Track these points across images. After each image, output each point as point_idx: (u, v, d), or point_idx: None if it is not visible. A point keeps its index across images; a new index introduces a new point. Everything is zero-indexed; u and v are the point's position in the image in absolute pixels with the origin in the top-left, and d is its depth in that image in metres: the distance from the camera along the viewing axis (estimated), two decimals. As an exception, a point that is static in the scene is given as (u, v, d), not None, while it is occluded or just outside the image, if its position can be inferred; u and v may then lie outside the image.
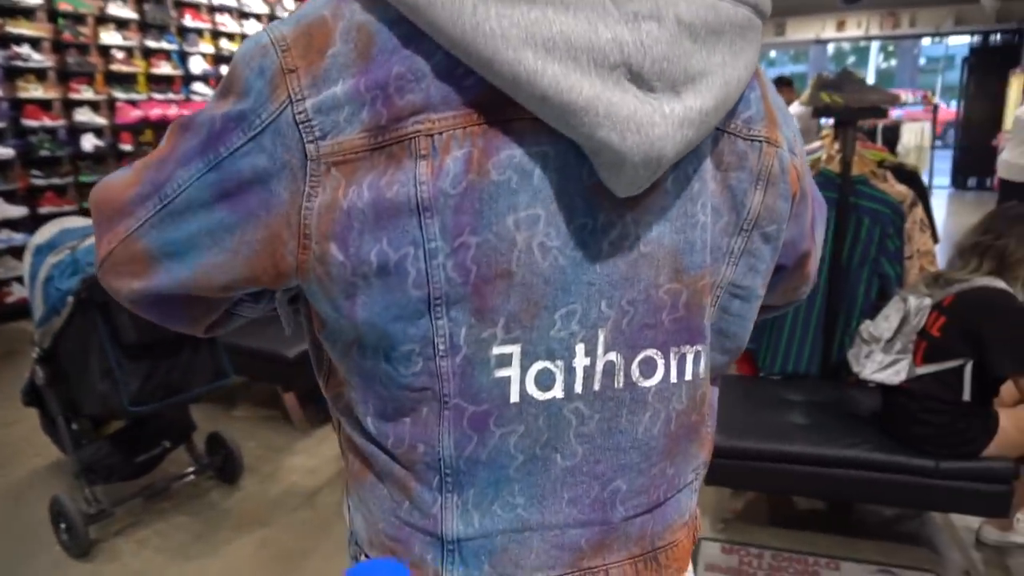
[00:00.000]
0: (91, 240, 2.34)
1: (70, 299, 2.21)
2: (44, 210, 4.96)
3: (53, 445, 2.57)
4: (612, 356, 0.61)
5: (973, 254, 2.18)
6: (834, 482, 2.16)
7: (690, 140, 0.55)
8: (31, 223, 4.81)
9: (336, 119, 0.52)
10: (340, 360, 0.62)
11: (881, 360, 2.20)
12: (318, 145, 0.52)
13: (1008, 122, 5.20)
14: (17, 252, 4.73)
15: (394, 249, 0.54)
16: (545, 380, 0.60)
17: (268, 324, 3.36)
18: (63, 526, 2.34)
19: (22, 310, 4.61)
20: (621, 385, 0.63)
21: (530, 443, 0.61)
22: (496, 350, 0.58)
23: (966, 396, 2.06)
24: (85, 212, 5.11)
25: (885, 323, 2.23)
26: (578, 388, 0.61)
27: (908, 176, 2.88)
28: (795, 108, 5.55)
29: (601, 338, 0.60)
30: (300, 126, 0.52)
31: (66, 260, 2.26)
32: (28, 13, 4.83)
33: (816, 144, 3.14)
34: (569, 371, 0.60)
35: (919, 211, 2.65)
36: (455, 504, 0.62)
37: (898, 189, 2.63)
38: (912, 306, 2.18)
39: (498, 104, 0.53)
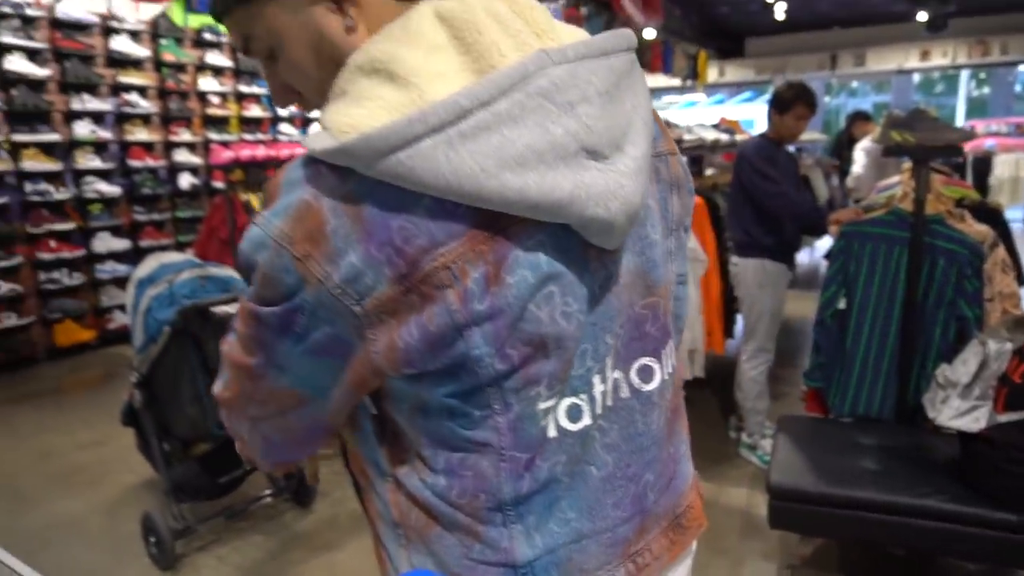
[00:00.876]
0: (187, 274, 2.54)
1: (166, 329, 2.39)
2: (144, 243, 5.36)
3: (145, 464, 2.76)
4: (616, 374, 0.73)
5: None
6: (907, 531, 2.08)
7: (646, 181, 0.67)
8: (133, 255, 5.20)
9: (365, 283, 0.61)
10: (408, 423, 0.71)
11: (958, 406, 2.12)
12: (362, 305, 0.61)
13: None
14: (120, 282, 5.11)
15: (450, 360, 0.63)
16: (575, 413, 0.70)
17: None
18: (152, 540, 2.50)
19: (123, 336, 4.96)
20: (627, 394, 0.74)
21: (570, 465, 0.71)
22: (542, 405, 0.67)
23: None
24: (181, 245, 5.48)
25: (963, 367, 2.15)
26: (598, 411, 0.72)
27: (989, 214, 2.78)
28: (867, 143, 5.40)
29: (609, 364, 0.71)
30: (339, 299, 0.61)
31: (164, 293, 2.46)
32: (137, 64, 5.28)
33: (895, 179, 3.07)
34: (592, 400, 0.71)
35: (1000, 252, 2.56)
36: (520, 533, 0.70)
37: (977, 229, 2.54)
38: (992, 350, 2.10)
39: (491, 219, 0.61)
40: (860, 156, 5.52)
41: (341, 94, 0.62)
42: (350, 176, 0.59)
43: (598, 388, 0.71)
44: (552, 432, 0.68)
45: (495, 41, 0.60)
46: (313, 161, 0.61)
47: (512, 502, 0.69)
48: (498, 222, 0.61)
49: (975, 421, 2.07)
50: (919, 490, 2.10)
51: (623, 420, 0.73)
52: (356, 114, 0.58)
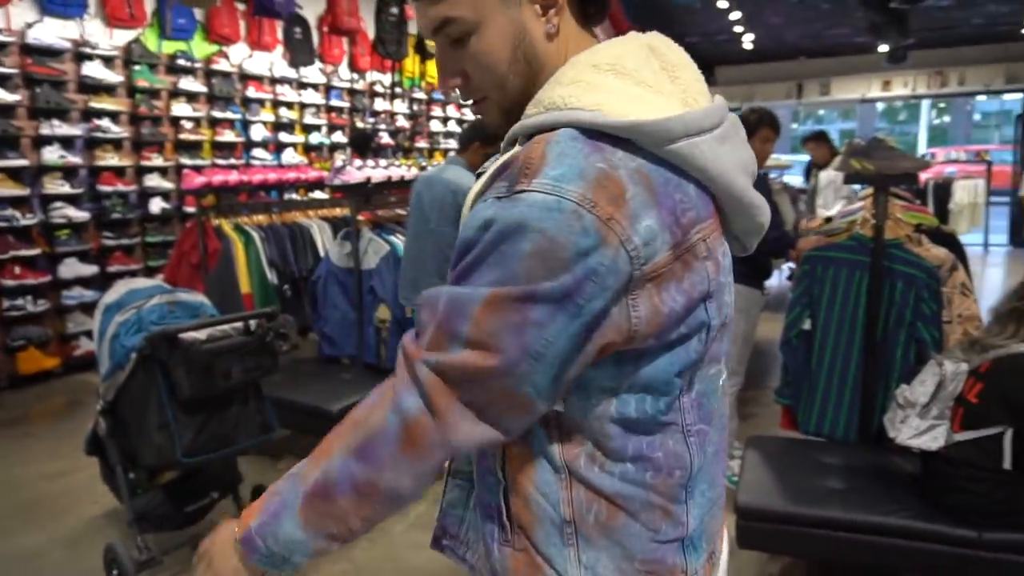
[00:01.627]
0: (155, 300, 2.52)
1: (133, 355, 2.37)
2: (113, 268, 5.28)
3: (109, 494, 2.70)
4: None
5: (1011, 319, 2.16)
6: (871, 549, 2.12)
7: None
8: (101, 281, 5.13)
9: (655, 246, 0.67)
10: (594, 414, 0.74)
11: (917, 425, 2.17)
12: (642, 269, 0.67)
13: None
14: (87, 308, 5.03)
15: (688, 328, 0.72)
16: (722, 391, 0.83)
17: (313, 380, 3.50)
18: (115, 572, 2.45)
19: (88, 363, 4.87)
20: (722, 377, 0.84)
21: (714, 437, 0.82)
22: (719, 381, 0.81)
23: (1007, 464, 2.01)
24: (151, 271, 5.42)
25: (921, 388, 2.21)
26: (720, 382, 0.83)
27: (946, 239, 2.87)
28: (831, 173, 5.55)
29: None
30: (632, 261, 0.66)
31: (132, 319, 2.43)
32: (109, 90, 5.26)
33: (856, 206, 3.16)
34: (722, 380, 0.84)
35: (960, 275, 2.63)
36: (693, 506, 0.79)
37: (935, 253, 2.63)
38: (948, 371, 2.16)
39: (715, 207, 0.75)
40: (824, 182, 5.66)
41: (572, 83, 0.71)
42: (636, 151, 0.68)
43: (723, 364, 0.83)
44: (717, 406, 0.81)
45: (690, 82, 0.75)
46: (587, 135, 0.68)
47: (694, 476, 0.78)
48: (717, 211, 0.76)
49: (934, 440, 2.12)
50: (882, 508, 2.14)
51: (721, 401, 0.83)
52: (603, 99, 0.69)
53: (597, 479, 0.74)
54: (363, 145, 5.71)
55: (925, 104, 21.26)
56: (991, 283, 7.61)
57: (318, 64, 6.78)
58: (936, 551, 2.05)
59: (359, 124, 7.31)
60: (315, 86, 6.94)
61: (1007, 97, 17.16)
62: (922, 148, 18.92)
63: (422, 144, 8.26)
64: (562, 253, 0.64)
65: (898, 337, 2.58)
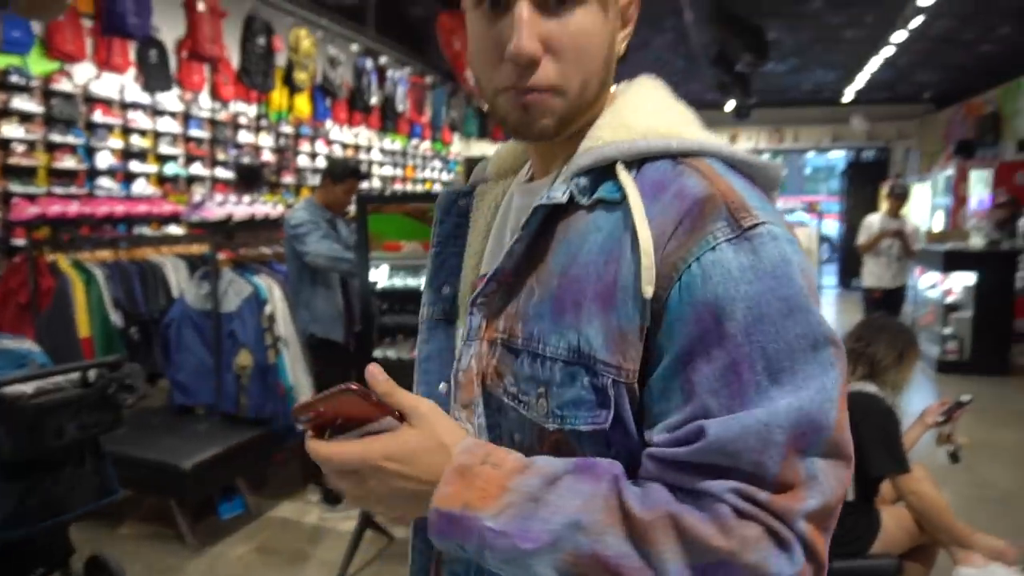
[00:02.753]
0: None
1: (-60, 414, 2.05)
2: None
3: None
4: None
5: (849, 360, 2.36)
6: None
7: None
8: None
9: None
10: None
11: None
12: None
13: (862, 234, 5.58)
14: None
15: None
16: None
17: (162, 433, 3.21)
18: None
19: None
20: None
21: None
22: None
23: (850, 496, 2.18)
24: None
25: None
26: None
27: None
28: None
29: None
30: None
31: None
32: (-77, 105, 4.67)
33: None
34: None
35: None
36: None
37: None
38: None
39: None
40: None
41: (660, 111, 0.68)
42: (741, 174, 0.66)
43: None
44: None
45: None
46: (727, 165, 0.65)
47: None
48: None
49: None
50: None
51: None
52: (702, 134, 0.67)
53: None
54: (251, 179, 5.46)
55: (766, 157, 23.63)
56: (828, 320, 8.36)
57: (176, 90, 6.39)
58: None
59: (245, 159, 6.98)
60: (172, 113, 6.53)
61: (832, 155, 19.25)
62: (764, 196, 21.07)
63: (288, 179, 7.97)
64: (815, 282, 0.62)
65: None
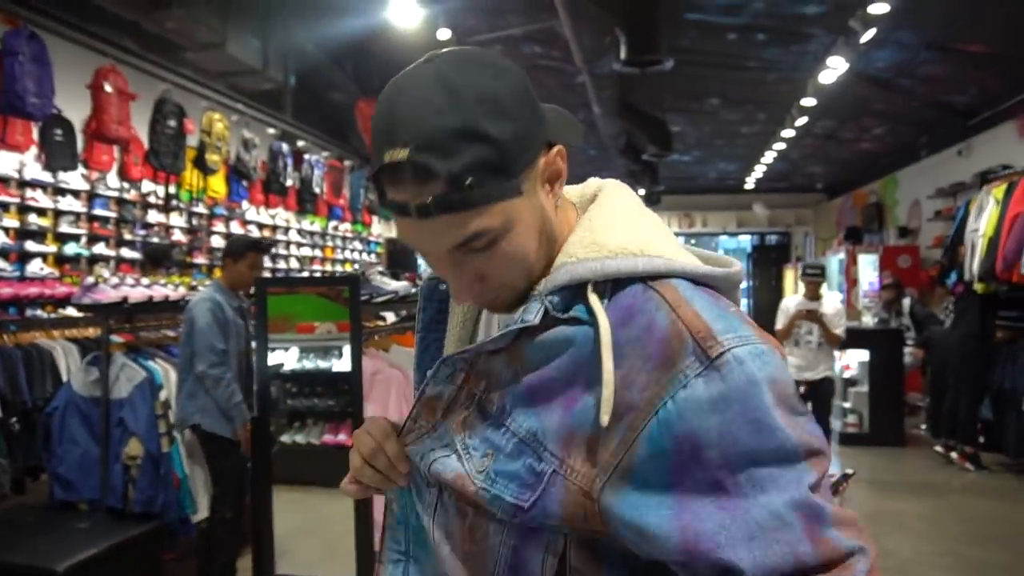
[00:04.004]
0: None
1: None
2: None
3: None
4: None
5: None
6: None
7: None
8: None
9: None
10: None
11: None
12: None
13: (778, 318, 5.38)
14: None
15: None
16: None
17: (36, 532, 2.95)
18: None
19: None
20: None
21: None
22: None
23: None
24: None
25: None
26: None
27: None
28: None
29: None
30: None
31: None
32: None
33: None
34: None
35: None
36: None
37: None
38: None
39: None
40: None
41: (629, 228, 0.72)
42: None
43: None
44: None
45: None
46: (691, 282, 0.69)
47: None
48: None
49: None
50: None
51: None
52: (667, 248, 0.72)
53: None
54: (158, 259, 5.27)
55: (680, 240, 24.89)
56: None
57: (81, 169, 6.21)
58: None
59: (154, 239, 6.78)
60: (76, 192, 6.31)
61: (741, 238, 20.40)
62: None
63: (200, 260, 7.77)
64: (786, 388, 0.64)
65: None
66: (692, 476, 0.61)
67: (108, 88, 5.30)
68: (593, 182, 0.82)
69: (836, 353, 5.31)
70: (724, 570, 0.60)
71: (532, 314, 0.70)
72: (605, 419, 0.63)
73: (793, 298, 5.20)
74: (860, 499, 4.68)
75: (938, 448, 5.71)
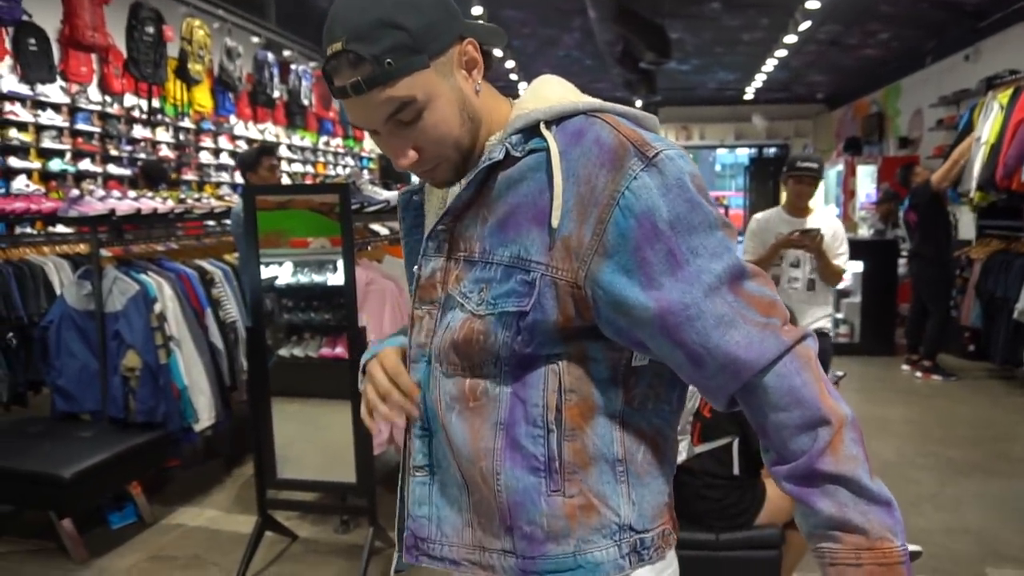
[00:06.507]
0: None
1: None
2: None
3: None
4: None
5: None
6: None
7: None
8: None
9: None
10: (659, 366, 0.86)
11: (665, 442, 2.33)
12: None
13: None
14: None
15: None
16: None
17: (41, 441, 3.01)
18: None
19: None
20: None
21: None
22: None
23: (736, 470, 2.27)
24: None
25: (667, 407, 2.37)
26: None
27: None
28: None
29: None
30: None
31: None
32: None
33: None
34: None
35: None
36: None
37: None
38: (689, 390, 2.39)
39: None
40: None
41: (561, 94, 0.89)
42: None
43: None
44: None
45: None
46: (615, 116, 0.86)
47: None
48: None
49: (677, 454, 2.33)
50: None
51: None
52: (593, 100, 0.88)
53: (647, 418, 0.88)
54: (157, 176, 5.20)
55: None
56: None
57: (60, 82, 5.99)
58: (681, 556, 2.23)
59: (142, 155, 6.64)
60: (56, 107, 6.12)
61: (739, 152, 20.06)
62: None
63: (190, 176, 7.63)
64: (702, 182, 0.83)
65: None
66: (652, 247, 0.78)
67: (80, -9, 5.04)
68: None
69: (830, 296, 3.44)
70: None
71: (497, 152, 0.85)
72: (555, 221, 0.80)
73: (771, 213, 3.39)
74: (849, 405, 4.79)
75: (904, 366, 5.82)
